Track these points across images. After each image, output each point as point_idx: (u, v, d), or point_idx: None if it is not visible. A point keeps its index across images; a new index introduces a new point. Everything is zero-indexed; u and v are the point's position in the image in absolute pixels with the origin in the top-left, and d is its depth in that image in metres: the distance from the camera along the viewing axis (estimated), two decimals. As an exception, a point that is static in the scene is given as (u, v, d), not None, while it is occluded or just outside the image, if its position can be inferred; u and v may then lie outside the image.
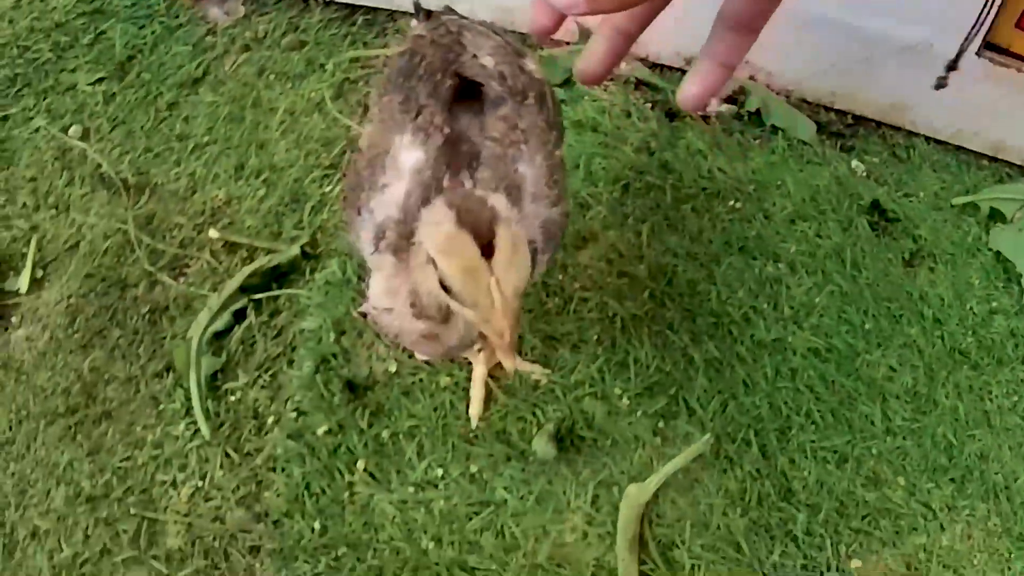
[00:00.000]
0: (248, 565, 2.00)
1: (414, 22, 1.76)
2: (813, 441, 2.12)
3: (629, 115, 2.45)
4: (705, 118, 2.50)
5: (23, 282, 2.41)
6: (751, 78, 2.55)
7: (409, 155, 1.47)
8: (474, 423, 2.09)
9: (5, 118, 2.62)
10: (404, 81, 1.56)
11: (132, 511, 2.08)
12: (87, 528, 2.07)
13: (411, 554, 1.97)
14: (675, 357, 2.19)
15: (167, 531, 2.06)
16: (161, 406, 2.17)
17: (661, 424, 2.14)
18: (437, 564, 1.96)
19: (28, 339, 2.32)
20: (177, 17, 2.69)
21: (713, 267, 2.29)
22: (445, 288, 1.25)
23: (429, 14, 1.74)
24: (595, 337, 2.18)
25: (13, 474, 2.15)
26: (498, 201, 1.26)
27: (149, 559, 2.02)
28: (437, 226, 1.22)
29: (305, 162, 2.44)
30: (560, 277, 2.22)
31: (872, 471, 2.12)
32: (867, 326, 2.28)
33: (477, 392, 2.08)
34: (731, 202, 2.40)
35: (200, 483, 2.10)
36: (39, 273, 2.42)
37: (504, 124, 1.51)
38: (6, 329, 2.36)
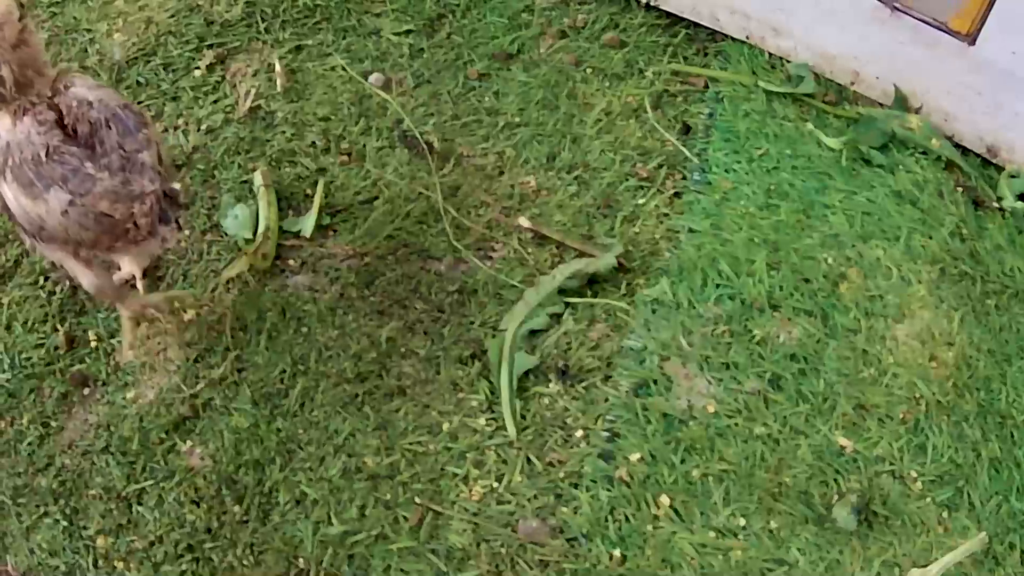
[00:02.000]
0: (539, 580, 1.88)
1: None
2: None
3: (942, 195, 2.35)
4: (1001, 211, 2.41)
5: (307, 226, 2.24)
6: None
7: None
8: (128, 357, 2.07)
9: (299, 48, 2.43)
10: None
11: (417, 499, 1.95)
12: (364, 507, 1.93)
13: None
14: (966, 450, 2.11)
15: (452, 527, 1.92)
16: (461, 394, 2.03)
17: (945, 513, 2.06)
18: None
19: (311, 289, 2.15)
20: (494, -15, 2.52)
21: (1006, 367, 2.21)
22: None
23: None
24: (900, 415, 2.09)
25: (279, 430, 1.99)
26: None
27: (428, 552, 1.89)
28: None
29: (620, 168, 2.30)
30: (878, 348, 2.11)
31: None
32: None
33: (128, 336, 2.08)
34: (1027, 306, 2.32)
35: (495, 484, 1.96)
36: (326, 220, 2.25)
37: None
38: (282, 271, 2.18)
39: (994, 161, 2.49)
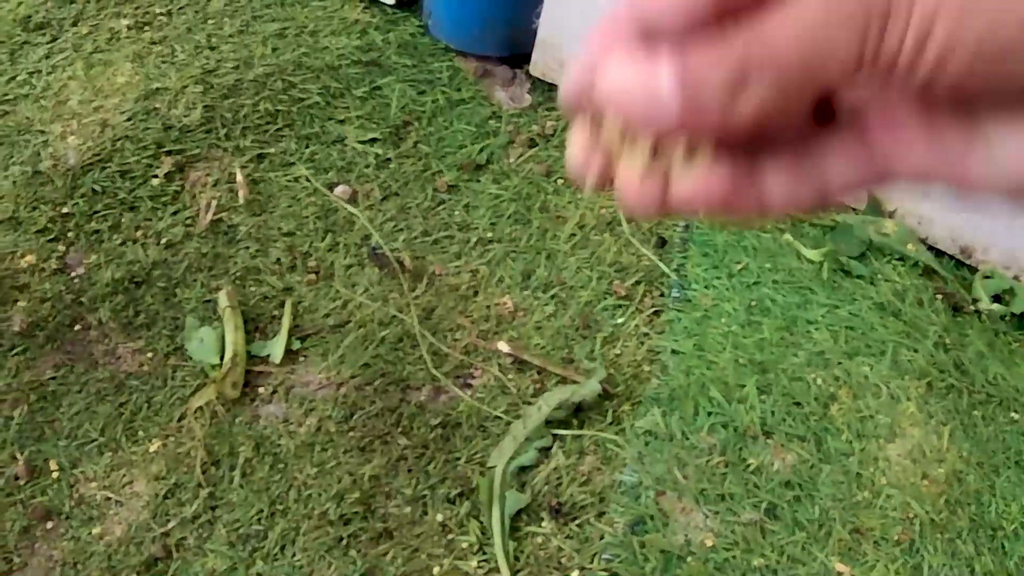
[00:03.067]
0: None
1: None
2: None
3: (922, 304, 2.29)
4: (978, 314, 2.35)
5: (276, 351, 2.08)
6: (1016, 278, 2.42)
7: None
8: None
9: (261, 156, 2.27)
10: None
11: (409, 649, 1.78)
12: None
13: None
14: (960, 567, 2.03)
15: None
16: (451, 535, 1.89)
17: (942, 639, 1.97)
18: None
19: (286, 420, 1.99)
20: (460, 90, 2.40)
21: (995, 477, 2.15)
22: None
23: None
24: (895, 536, 2.00)
25: (260, 575, 1.81)
26: None
27: None
28: None
29: (597, 285, 2.19)
30: (871, 470, 2.02)
31: None
32: None
33: None
34: (1011, 413, 2.25)
35: (490, 633, 1.82)
36: (295, 344, 2.10)
37: None
38: (252, 400, 2.02)
39: (967, 262, 2.43)
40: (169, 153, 2.31)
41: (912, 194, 2.40)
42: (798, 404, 2.07)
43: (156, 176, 2.30)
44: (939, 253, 2.45)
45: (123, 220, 2.24)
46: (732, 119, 0.38)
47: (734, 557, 1.91)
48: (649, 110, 0.38)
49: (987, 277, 2.40)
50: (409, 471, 1.96)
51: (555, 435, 2.01)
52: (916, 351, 2.20)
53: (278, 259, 2.20)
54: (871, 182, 0.45)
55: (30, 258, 2.19)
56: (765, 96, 0.37)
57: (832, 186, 0.44)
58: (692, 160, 0.43)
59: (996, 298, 2.42)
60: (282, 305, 2.13)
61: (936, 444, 2.11)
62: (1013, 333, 2.41)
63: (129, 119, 2.34)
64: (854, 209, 2.43)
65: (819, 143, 0.43)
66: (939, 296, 2.36)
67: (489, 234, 2.25)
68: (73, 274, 2.19)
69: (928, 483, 2.08)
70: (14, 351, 2.04)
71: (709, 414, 2.04)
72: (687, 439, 2.00)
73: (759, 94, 0.37)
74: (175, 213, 2.25)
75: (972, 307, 2.37)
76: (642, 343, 2.14)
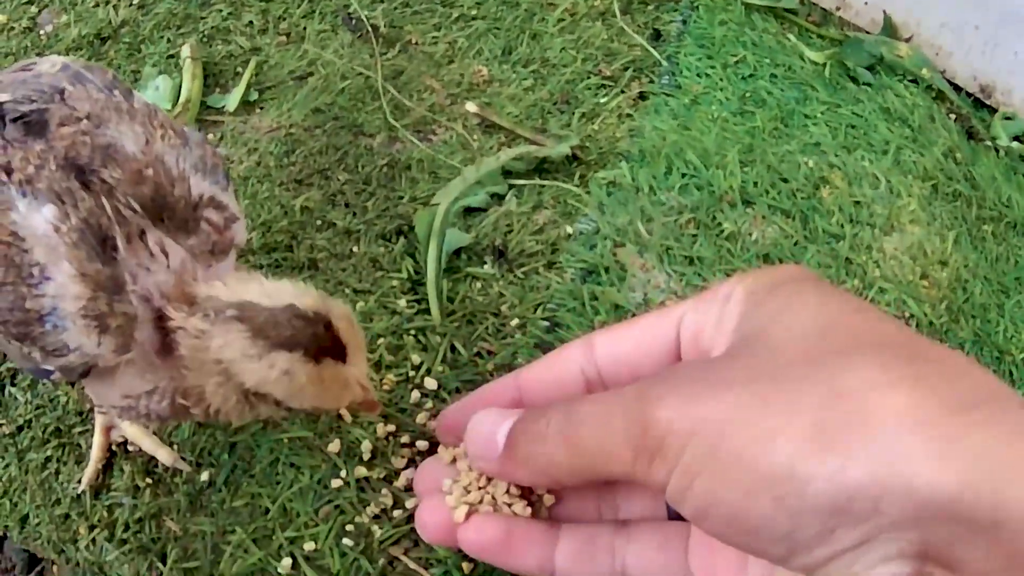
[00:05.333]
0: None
1: None
2: None
3: (933, 119, 1.92)
4: (996, 149, 1.98)
5: (232, 101, 1.80)
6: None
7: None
8: (84, 485, 1.38)
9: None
10: None
11: (321, 382, 1.44)
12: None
13: None
14: (959, 385, 1.63)
15: (356, 418, 1.44)
16: (381, 273, 1.56)
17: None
18: None
19: (226, 159, 1.70)
20: None
21: (1004, 298, 1.75)
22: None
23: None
24: (886, 336, 1.61)
25: None
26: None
27: (321, 447, 1.41)
28: (271, 369, 0.87)
29: (581, 66, 1.87)
30: (864, 258, 1.66)
31: None
32: None
33: (97, 454, 1.38)
34: (1027, 238, 1.87)
35: (412, 373, 1.48)
36: (253, 95, 1.81)
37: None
38: (201, 146, 1.73)
39: (987, 102, 2.07)
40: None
41: (932, 24, 2.05)
42: (785, 180, 1.72)
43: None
44: (956, 88, 2.09)
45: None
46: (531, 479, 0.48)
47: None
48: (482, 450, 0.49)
49: (1008, 118, 2.03)
50: (346, 205, 1.65)
51: (511, 185, 1.69)
52: (922, 155, 1.84)
53: (250, 21, 1.92)
54: None
55: (1, 18, 1.97)
56: (551, 475, 0.46)
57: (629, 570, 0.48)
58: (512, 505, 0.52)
59: (1017, 139, 2.05)
60: (246, 64, 1.86)
61: (939, 247, 1.74)
62: (1038, 174, 2.04)
63: None
64: (868, 32, 2.09)
65: (625, 533, 0.49)
66: (952, 116, 1.99)
67: (473, 11, 1.95)
68: (41, 32, 1.96)
69: (928, 285, 1.70)
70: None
71: (683, 175, 1.69)
72: (655, 194, 1.66)
73: (547, 473, 0.46)
74: (150, -25, 2.01)
75: (989, 142, 2.00)
76: (623, 121, 1.81)
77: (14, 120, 0.99)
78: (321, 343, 0.88)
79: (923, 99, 1.94)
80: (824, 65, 1.91)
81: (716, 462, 0.39)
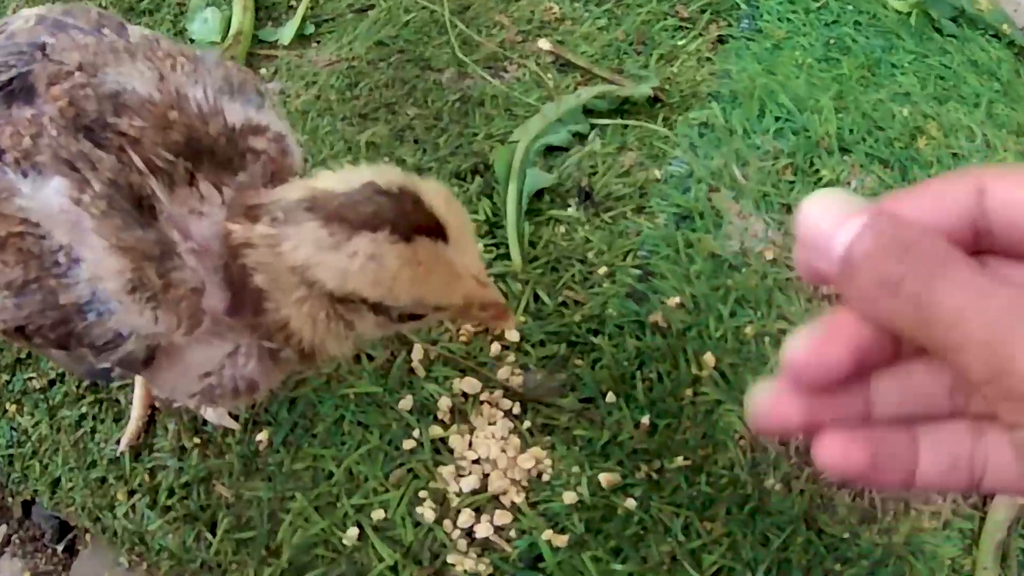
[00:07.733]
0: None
1: None
2: None
3: (1019, 75, 1.67)
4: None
5: (287, 34, 1.52)
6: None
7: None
8: (124, 447, 1.13)
9: None
10: None
11: (390, 332, 1.17)
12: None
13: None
14: None
15: (430, 372, 1.18)
16: (456, 213, 1.28)
17: None
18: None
19: (282, 93, 1.42)
20: None
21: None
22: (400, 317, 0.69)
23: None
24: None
25: None
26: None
27: (392, 404, 1.14)
28: (353, 257, 0.63)
29: (657, 7, 1.60)
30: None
31: None
32: None
33: (139, 411, 1.14)
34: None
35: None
36: (309, 29, 1.53)
37: None
38: (252, 80, 1.45)
39: (1062, 62, 1.82)
40: None
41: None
42: (880, 128, 1.46)
43: None
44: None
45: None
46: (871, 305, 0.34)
47: (798, 278, 1.31)
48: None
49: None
50: (416, 141, 1.37)
51: (593, 124, 1.42)
52: (1015, 110, 1.59)
53: (303, -48, 1.66)
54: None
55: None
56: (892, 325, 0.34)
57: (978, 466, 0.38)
58: None
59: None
60: (301, -2, 1.59)
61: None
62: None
63: None
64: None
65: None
66: (1036, 74, 1.75)
67: (541, -50, 1.69)
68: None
69: None
70: None
71: (777, 118, 1.42)
72: (749, 137, 1.39)
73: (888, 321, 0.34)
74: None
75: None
76: (702, 65, 1.54)
77: None
78: (411, 219, 0.63)
79: (1006, 54, 1.69)
80: (909, 14, 1.65)
81: None
